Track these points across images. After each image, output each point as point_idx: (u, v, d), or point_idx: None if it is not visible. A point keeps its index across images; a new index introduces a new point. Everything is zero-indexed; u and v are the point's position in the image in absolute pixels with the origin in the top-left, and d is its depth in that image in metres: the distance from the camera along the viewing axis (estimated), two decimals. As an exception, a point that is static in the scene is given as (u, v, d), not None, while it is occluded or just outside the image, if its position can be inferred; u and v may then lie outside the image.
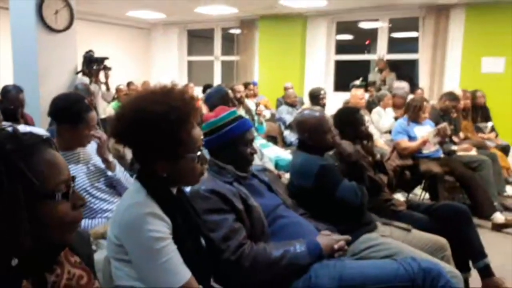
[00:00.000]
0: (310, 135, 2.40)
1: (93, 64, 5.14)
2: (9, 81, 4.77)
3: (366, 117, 4.38)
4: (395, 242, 2.19)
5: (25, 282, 0.91)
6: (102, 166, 2.40)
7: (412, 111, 4.32)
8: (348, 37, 10.79)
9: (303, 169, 2.34)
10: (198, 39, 11.14)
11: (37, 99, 4.49)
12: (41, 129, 3.27)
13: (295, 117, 2.62)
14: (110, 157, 2.44)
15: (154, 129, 1.36)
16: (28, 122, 4.04)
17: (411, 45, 8.43)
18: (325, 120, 2.44)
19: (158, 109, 1.37)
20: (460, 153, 4.64)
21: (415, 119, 4.31)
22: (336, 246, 1.82)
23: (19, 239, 0.87)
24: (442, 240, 2.31)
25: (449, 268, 1.94)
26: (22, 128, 1.20)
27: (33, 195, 0.89)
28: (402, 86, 5.99)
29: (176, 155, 1.41)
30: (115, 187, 2.42)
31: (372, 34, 8.70)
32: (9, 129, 0.94)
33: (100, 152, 2.39)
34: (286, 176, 3.65)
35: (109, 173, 2.39)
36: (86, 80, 4.99)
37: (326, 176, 2.27)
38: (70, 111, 2.31)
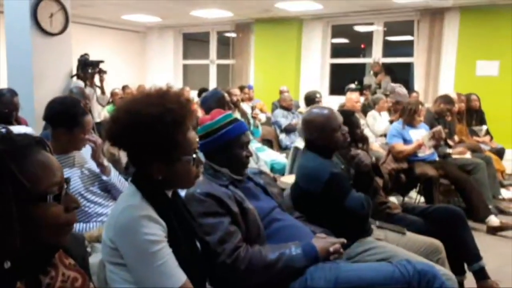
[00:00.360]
0: (319, 134, 2.32)
1: (88, 68, 5.12)
2: (3, 85, 4.76)
3: (362, 121, 4.40)
4: (390, 246, 2.19)
5: (19, 284, 0.91)
6: (97, 170, 2.39)
7: (407, 115, 4.34)
8: (343, 40, 10.84)
9: (313, 174, 2.27)
10: (193, 42, 11.16)
11: (31, 102, 4.48)
12: (29, 128, 3.26)
13: (302, 117, 2.50)
14: (105, 162, 2.43)
15: (150, 131, 1.36)
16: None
17: (406, 48, 8.47)
18: (334, 117, 2.34)
19: (153, 111, 1.36)
20: (455, 156, 4.66)
21: (410, 122, 4.34)
22: (331, 249, 1.81)
23: (9, 241, 0.86)
24: (437, 243, 2.31)
25: (443, 271, 1.94)
26: (17, 129, 1.20)
27: (25, 197, 0.89)
28: (404, 93, 6.03)
29: (171, 157, 1.41)
30: (109, 191, 2.41)
31: (367, 37, 8.74)
32: (3, 130, 0.94)
33: (95, 156, 2.38)
34: (282, 179, 3.65)
35: (104, 177, 2.38)
36: (81, 83, 4.97)
37: (336, 184, 2.21)
38: (66, 115, 2.31)
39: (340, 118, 2.37)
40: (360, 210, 2.19)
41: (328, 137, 2.31)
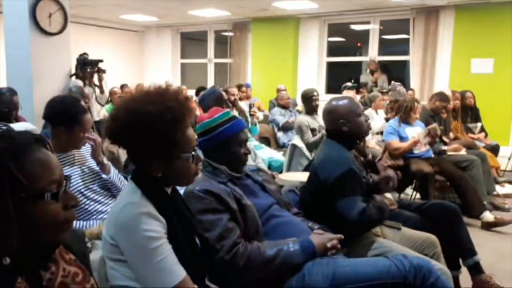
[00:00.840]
0: (344, 121, 2.32)
1: (87, 67, 5.13)
2: (2, 84, 4.76)
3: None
4: (387, 241, 2.20)
5: (20, 279, 0.91)
6: (97, 168, 2.41)
7: (403, 112, 4.38)
8: (340, 39, 10.85)
9: (335, 162, 2.25)
10: (191, 41, 11.15)
11: (31, 102, 4.48)
12: (29, 124, 3.27)
13: (323, 108, 2.51)
14: (105, 160, 2.45)
15: (149, 129, 1.37)
16: (22, 125, 4.02)
17: (401, 46, 8.51)
18: (355, 104, 2.41)
19: (152, 109, 1.38)
20: (450, 153, 4.69)
21: (406, 120, 4.38)
22: (329, 245, 1.82)
23: (8, 240, 0.86)
24: (433, 237, 2.31)
25: (438, 266, 1.95)
26: (18, 126, 1.21)
27: (23, 195, 0.89)
28: (404, 92, 6.04)
29: (171, 155, 1.43)
30: (109, 189, 2.43)
31: (364, 36, 8.76)
32: (3, 128, 0.94)
33: (94, 154, 2.40)
34: (280, 176, 3.69)
35: (104, 175, 2.40)
36: (80, 83, 4.99)
37: (348, 181, 2.18)
38: (66, 114, 2.32)
39: (360, 105, 2.41)
40: (347, 216, 2.13)
41: (353, 122, 2.34)
